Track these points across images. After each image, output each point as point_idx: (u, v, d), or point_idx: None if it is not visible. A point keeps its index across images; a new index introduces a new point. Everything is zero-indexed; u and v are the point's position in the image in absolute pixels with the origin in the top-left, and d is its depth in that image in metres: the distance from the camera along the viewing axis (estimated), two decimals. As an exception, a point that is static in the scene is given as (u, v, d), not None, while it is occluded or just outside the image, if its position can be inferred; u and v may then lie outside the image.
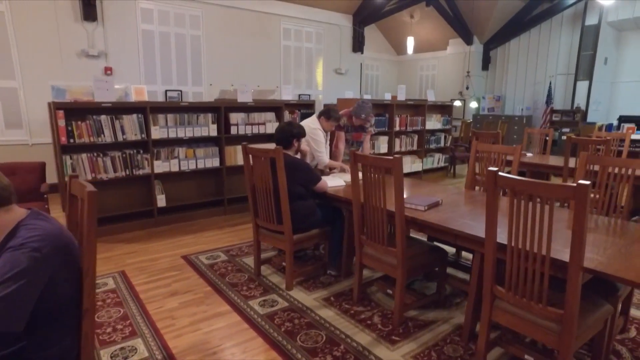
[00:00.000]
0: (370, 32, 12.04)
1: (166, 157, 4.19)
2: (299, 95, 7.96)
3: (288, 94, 6.66)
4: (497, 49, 10.99)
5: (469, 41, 10.78)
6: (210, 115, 4.36)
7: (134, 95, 4.42)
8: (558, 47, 9.84)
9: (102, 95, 3.76)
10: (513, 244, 1.65)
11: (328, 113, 3.41)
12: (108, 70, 5.90)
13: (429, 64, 12.42)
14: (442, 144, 6.99)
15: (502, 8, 9.76)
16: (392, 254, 2.23)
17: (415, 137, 6.51)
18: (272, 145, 2.64)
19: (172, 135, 4.16)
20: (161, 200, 4.21)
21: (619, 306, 2.16)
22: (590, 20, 9.20)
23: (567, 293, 1.53)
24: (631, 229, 2.07)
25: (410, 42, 10.84)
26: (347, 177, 3.28)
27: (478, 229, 1.96)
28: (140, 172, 4.02)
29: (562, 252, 1.65)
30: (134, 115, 3.90)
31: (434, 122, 6.73)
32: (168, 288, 2.84)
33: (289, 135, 2.77)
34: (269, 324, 2.34)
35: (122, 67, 6.04)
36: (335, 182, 3.10)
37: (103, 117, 3.72)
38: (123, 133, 3.87)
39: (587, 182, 1.39)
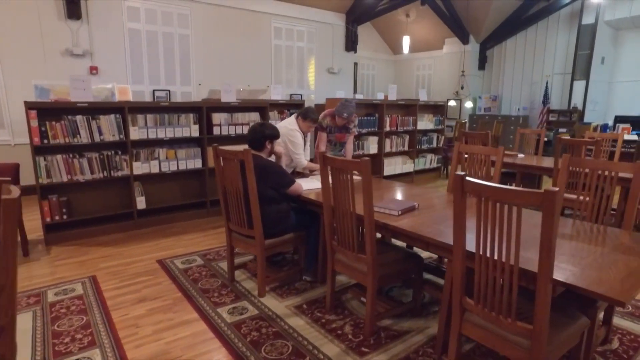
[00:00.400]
0: (366, 31, 11.94)
1: (146, 158, 4.09)
2: (291, 95, 7.87)
3: (278, 94, 6.56)
4: (494, 48, 10.88)
5: (465, 40, 10.67)
6: (192, 115, 4.27)
7: (117, 95, 4.33)
8: (555, 46, 9.72)
9: (79, 95, 3.66)
10: (481, 253, 1.55)
11: (305, 113, 3.31)
12: (93, 70, 5.81)
13: (425, 64, 12.31)
14: (434, 145, 6.89)
15: (498, 7, 9.65)
16: (363, 261, 2.13)
17: (407, 138, 6.40)
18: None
19: (152, 136, 4.07)
20: (141, 202, 4.12)
21: (600, 316, 2.05)
22: (587, 19, 9.09)
23: (536, 307, 1.43)
24: (612, 235, 1.96)
25: (406, 42, 10.73)
26: None
27: (450, 236, 1.85)
28: (119, 173, 3.92)
29: (534, 261, 1.54)
30: (112, 116, 3.80)
31: (425, 122, 6.62)
32: (137, 294, 2.74)
33: (261, 136, 2.67)
34: (235, 333, 2.24)
35: (108, 66, 5.95)
36: (312, 184, 3.00)
37: (79, 118, 3.62)
38: (100, 134, 3.77)
39: (556, 189, 1.29)
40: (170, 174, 4.27)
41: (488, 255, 1.52)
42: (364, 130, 5.79)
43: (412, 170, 6.58)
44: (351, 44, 8.51)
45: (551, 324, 1.59)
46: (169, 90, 6.55)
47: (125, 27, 6.02)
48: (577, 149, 4.09)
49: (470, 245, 1.62)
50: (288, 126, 3.31)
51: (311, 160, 3.73)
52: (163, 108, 4.15)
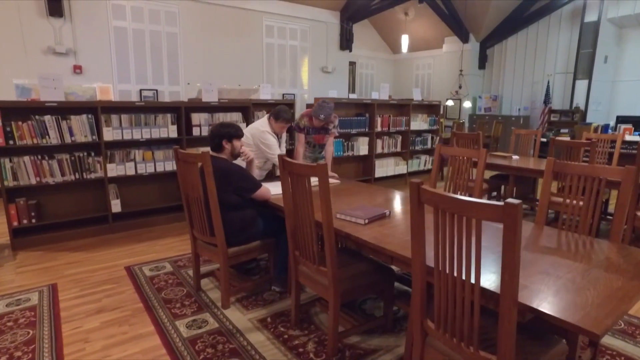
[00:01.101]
0: (365, 30, 11.75)
1: (121, 160, 3.94)
2: (283, 94, 7.70)
3: (267, 93, 6.39)
4: (494, 47, 10.65)
5: (464, 39, 10.45)
6: (169, 115, 4.11)
7: (98, 95, 4.19)
8: (556, 45, 9.48)
9: (49, 95, 3.52)
10: (440, 269, 1.37)
11: (277, 114, 3.14)
12: (77, 69, 5.69)
13: (424, 63, 12.10)
14: (429, 145, 6.69)
15: (498, 5, 9.42)
16: (324, 274, 1.96)
17: (399, 138, 6.21)
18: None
19: (128, 137, 3.92)
20: (116, 206, 3.97)
21: (581, 338, 1.86)
22: (590, 17, 8.83)
23: (499, 334, 1.25)
24: (597, 249, 1.77)
25: (404, 40, 10.53)
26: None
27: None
28: (92, 175, 3.78)
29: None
30: (84, 116, 3.66)
31: (419, 123, 6.43)
32: (96, 304, 2.58)
33: (216, 135, 2.50)
34: (188, 349, 2.08)
35: (93, 65, 5.82)
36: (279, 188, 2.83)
37: (47, 118, 3.48)
38: (71, 135, 3.63)
39: (517, 202, 1.11)
40: (147, 176, 4.12)
41: (447, 272, 1.35)
42: (354, 131, 5.61)
43: (405, 172, 6.38)
44: (346, 42, 8.33)
45: (522, 352, 1.40)
46: (157, 90, 6.41)
47: (111, 25, 5.89)
48: (574, 150, 3.89)
49: (432, 260, 1.44)
50: (259, 127, 3.15)
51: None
52: (138, 108, 4.00)
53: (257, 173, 3.28)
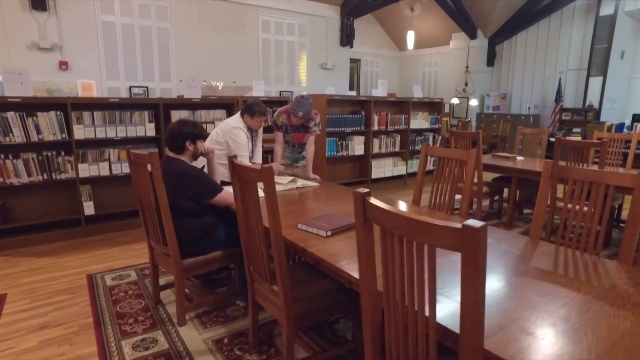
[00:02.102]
0: (370, 26, 11.43)
1: (94, 160, 3.73)
2: (280, 91, 7.45)
3: (260, 90, 6.14)
4: (503, 43, 10.22)
5: (472, 35, 10.05)
6: (146, 113, 3.88)
7: (80, 91, 3.99)
8: (569, 40, 9.02)
9: (15, 90, 3.32)
10: (389, 298, 1.09)
11: (250, 109, 2.87)
12: (63, 65, 5.51)
13: (431, 60, 11.72)
14: (430, 145, 6.34)
15: (507, -2, 9.01)
16: (276, 294, 1.68)
17: (398, 138, 5.90)
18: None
19: (101, 135, 3.70)
20: (89, 208, 3.75)
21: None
22: (606, 10, 8.37)
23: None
24: (603, 272, 1.46)
25: (410, 37, 10.19)
26: (280, 182, 2.75)
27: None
28: (63, 176, 3.57)
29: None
30: (52, 113, 3.45)
31: (420, 121, 6.10)
32: (42, 319, 2.35)
33: (179, 136, 2.25)
34: (126, 378, 1.83)
35: (80, 61, 5.64)
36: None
37: (10, 115, 3.27)
38: (39, 132, 3.42)
39: (480, 224, 0.81)
40: (123, 176, 3.89)
41: (398, 301, 1.06)
42: (349, 130, 5.32)
43: (404, 172, 6.07)
44: (347, 38, 8.03)
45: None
46: (147, 87, 6.21)
47: (99, 19, 5.70)
48: (583, 152, 3.54)
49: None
50: (231, 124, 2.88)
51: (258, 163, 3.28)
52: (112, 105, 3.78)
53: (226, 174, 3.02)
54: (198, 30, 6.51)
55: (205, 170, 2.58)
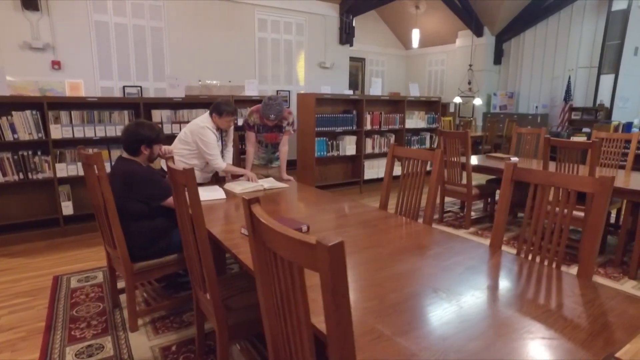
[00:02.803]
0: (375, 25, 11.27)
1: (73, 160, 3.70)
2: (277, 91, 7.36)
3: (253, 90, 6.06)
4: (511, 40, 9.92)
5: (479, 33, 9.80)
6: (126, 112, 3.84)
7: (67, 91, 3.98)
8: (579, 37, 8.68)
9: (-10, 89, 3.31)
10: (271, 320, 0.97)
11: (218, 108, 2.78)
12: (56, 65, 5.53)
13: (437, 59, 11.48)
14: (427, 145, 6.17)
15: (514, -6, 8.74)
16: (209, 302, 1.58)
17: (393, 137, 5.74)
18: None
19: (79, 135, 3.67)
20: (67, 208, 3.72)
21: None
22: (618, 5, 8.04)
23: None
24: (556, 289, 1.31)
25: (415, 35, 10.01)
26: (248, 184, 2.66)
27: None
28: (40, 176, 3.54)
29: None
30: (27, 112, 3.42)
31: (416, 120, 5.93)
32: (-5, 322, 2.31)
33: (134, 139, 2.16)
34: (59, 387, 1.75)
35: (73, 61, 5.65)
36: (215, 194, 2.48)
37: (-16, 114, 3.26)
38: (14, 132, 3.40)
39: (335, 241, 0.73)
40: (103, 176, 3.85)
41: (284, 324, 0.94)
42: (339, 129, 5.19)
43: (399, 173, 5.88)
44: (346, 36, 7.89)
45: None
46: (141, 87, 6.19)
47: (91, 19, 5.70)
48: (575, 153, 3.33)
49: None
50: (199, 123, 2.80)
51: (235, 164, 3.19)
52: (91, 104, 3.74)
53: (200, 176, 2.94)
54: (192, 30, 6.47)
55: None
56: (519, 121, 8.86)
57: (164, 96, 4.26)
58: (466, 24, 9.71)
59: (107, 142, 3.88)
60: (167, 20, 6.27)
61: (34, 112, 3.44)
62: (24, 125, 3.43)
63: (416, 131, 6.09)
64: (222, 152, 2.95)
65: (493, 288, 1.29)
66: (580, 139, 6.22)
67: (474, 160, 4.26)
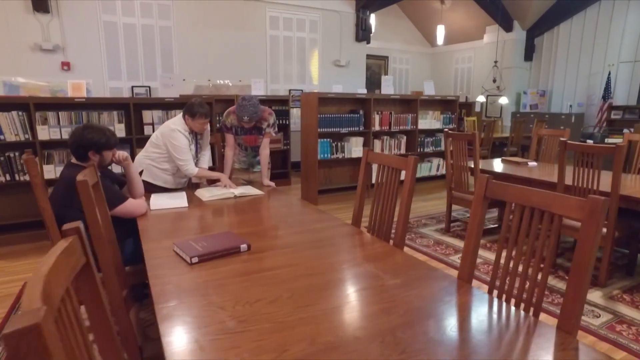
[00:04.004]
0: (398, 22, 10.86)
1: (61, 161, 3.64)
2: (290, 90, 7.16)
3: (259, 89, 5.90)
4: (544, 35, 9.22)
5: (508, 27, 9.18)
6: (115, 113, 3.74)
7: (70, 91, 3.96)
8: (622, 29, 7.92)
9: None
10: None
11: (191, 109, 2.58)
12: (65, 66, 5.58)
13: (464, 56, 10.90)
14: (442, 147, 5.76)
15: (546, -16, 8.10)
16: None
17: (404, 139, 5.38)
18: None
19: (67, 136, 3.59)
20: (56, 210, 3.66)
21: None
22: (666, -7, 7.25)
23: None
24: (525, 347, 1.00)
25: (440, 32, 9.52)
26: (220, 191, 2.46)
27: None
28: (27, 177, 3.50)
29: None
30: (14, 113, 3.38)
31: (430, 121, 5.54)
32: (-51, 331, 2.21)
33: (80, 146, 2.00)
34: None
35: (82, 62, 5.69)
36: (173, 201, 2.29)
37: (-31, 114, 3.24)
38: (0, 133, 3.37)
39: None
40: (93, 178, 3.78)
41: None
42: (345, 130, 4.91)
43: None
44: (362, 33, 7.57)
45: None
46: (149, 87, 6.17)
47: (100, 20, 5.72)
48: (595, 158, 2.89)
49: None
50: (170, 126, 2.61)
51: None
52: (78, 105, 3.67)
53: (172, 181, 2.76)
54: (202, 29, 6.39)
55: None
56: (551, 121, 8.21)
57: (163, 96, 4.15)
58: (494, 19, 9.12)
59: (97, 144, 3.80)
60: (176, 20, 6.21)
61: (20, 113, 3.40)
62: (10, 126, 3.39)
63: (431, 132, 5.70)
64: (196, 155, 2.76)
65: (435, 342, 0.99)
66: (616, 141, 5.61)
67: (488, 164, 3.87)
